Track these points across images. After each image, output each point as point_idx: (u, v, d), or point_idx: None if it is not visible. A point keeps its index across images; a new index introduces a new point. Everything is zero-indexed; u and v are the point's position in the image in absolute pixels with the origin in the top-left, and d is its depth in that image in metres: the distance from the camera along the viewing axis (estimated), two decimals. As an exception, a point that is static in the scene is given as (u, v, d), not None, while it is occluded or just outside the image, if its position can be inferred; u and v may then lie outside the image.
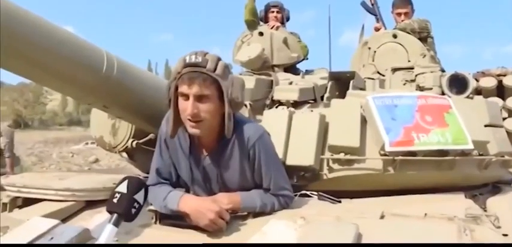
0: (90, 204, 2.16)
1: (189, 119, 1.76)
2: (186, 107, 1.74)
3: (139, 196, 1.66)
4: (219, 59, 1.77)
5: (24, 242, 1.63)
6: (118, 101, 2.16)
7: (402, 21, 4.07)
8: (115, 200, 1.61)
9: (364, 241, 1.55)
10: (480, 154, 2.34)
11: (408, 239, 1.52)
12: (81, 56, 1.86)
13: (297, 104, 2.73)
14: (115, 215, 1.59)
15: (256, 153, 1.87)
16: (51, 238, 1.66)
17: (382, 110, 2.30)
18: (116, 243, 1.67)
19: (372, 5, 4.49)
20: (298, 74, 3.89)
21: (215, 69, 1.73)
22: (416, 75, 3.22)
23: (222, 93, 1.76)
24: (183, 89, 1.73)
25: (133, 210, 1.64)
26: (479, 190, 2.57)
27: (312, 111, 2.54)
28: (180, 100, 1.77)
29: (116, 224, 1.58)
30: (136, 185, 1.67)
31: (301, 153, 2.33)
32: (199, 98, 1.73)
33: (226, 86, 1.75)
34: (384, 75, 3.55)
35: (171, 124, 1.85)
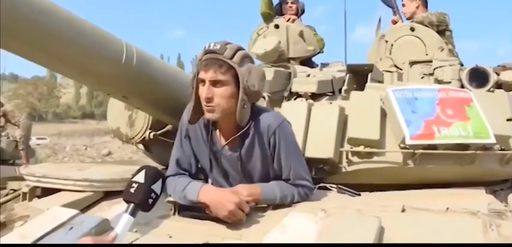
0: (109, 195, 2.16)
1: (205, 105, 1.79)
2: (202, 92, 1.78)
3: (156, 187, 1.65)
4: (239, 49, 1.79)
5: (45, 231, 1.63)
6: (137, 92, 2.15)
7: (403, 11, 4.10)
8: (132, 190, 1.60)
9: (386, 235, 1.52)
10: (502, 149, 2.30)
11: (433, 234, 1.50)
12: (100, 46, 1.85)
13: (315, 96, 2.70)
14: (132, 205, 1.57)
15: (276, 140, 1.86)
16: (71, 227, 1.66)
17: (402, 102, 2.27)
18: (135, 233, 1.67)
19: None
20: (314, 68, 3.86)
21: (233, 57, 1.76)
22: (434, 69, 3.15)
23: (239, 81, 1.77)
24: (201, 74, 1.78)
25: (150, 201, 1.62)
26: (500, 186, 2.52)
27: (331, 103, 2.52)
28: (200, 86, 1.81)
29: (133, 214, 1.57)
30: (154, 175, 1.65)
31: (320, 145, 2.31)
32: (214, 83, 1.77)
33: (242, 73, 1.77)
34: (401, 69, 3.50)
35: (191, 110, 1.87)
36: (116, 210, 1.95)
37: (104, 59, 1.89)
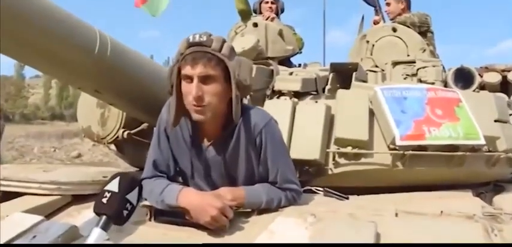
0: (78, 199, 1.99)
1: (193, 104, 1.62)
2: (190, 90, 1.61)
3: (132, 197, 1.49)
4: (224, 40, 1.65)
5: (4, 240, 1.46)
6: (111, 85, 2.00)
7: (386, 11, 4.11)
8: (104, 200, 1.43)
9: (383, 240, 1.43)
10: (489, 150, 2.24)
11: (433, 239, 1.40)
12: (71, 34, 1.69)
13: (298, 95, 2.60)
14: (104, 217, 1.41)
15: (262, 140, 1.73)
16: (34, 236, 1.50)
17: (391, 101, 2.19)
18: (108, 241, 1.51)
19: None
20: (292, 68, 3.78)
21: (221, 49, 1.61)
22: (418, 69, 3.15)
23: (229, 76, 1.63)
24: (187, 70, 1.60)
25: (125, 212, 1.46)
26: (484, 188, 2.48)
27: (316, 102, 2.42)
28: (183, 83, 1.64)
29: (105, 228, 1.40)
30: (129, 184, 1.49)
31: (305, 146, 2.21)
32: (204, 79, 1.60)
33: (233, 67, 1.63)
34: (382, 69, 3.46)
35: (173, 112, 1.70)
36: (86, 216, 1.80)
37: (75, 48, 1.73)
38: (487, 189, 2.49)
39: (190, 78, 1.61)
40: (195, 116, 1.66)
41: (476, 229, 1.48)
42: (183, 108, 1.69)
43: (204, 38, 1.59)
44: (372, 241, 1.34)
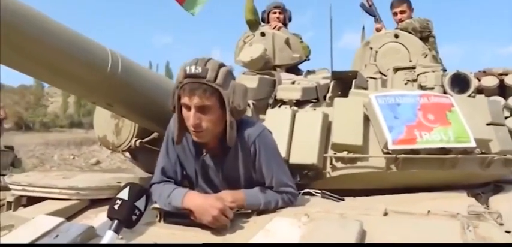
0: (95, 203, 2.17)
1: (193, 130, 1.79)
2: (189, 117, 1.77)
3: (140, 203, 1.65)
4: (220, 66, 1.78)
5: (30, 239, 1.63)
6: (122, 99, 2.16)
7: (399, 19, 4.13)
8: (116, 206, 1.59)
9: (367, 238, 1.55)
10: (482, 153, 2.33)
11: (412, 235, 1.53)
12: (85, 54, 1.86)
13: (299, 103, 2.74)
14: (115, 221, 1.57)
15: (256, 149, 1.89)
16: (57, 235, 1.66)
17: (385, 108, 2.30)
18: (121, 240, 1.67)
19: (369, 6, 4.52)
20: (300, 75, 3.90)
21: (216, 78, 1.74)
22: (418, 75, 3.20)
23: (224, 102, 1.78)
24: (185, 100, 1.77)
25: (134, 217, 1.62)
26: (482, 189, 2.56)
27: (314, 109, 2.55)
28: (183, 109, 1.81)
29: (116, 231, 1.56)
30: (138, 192, 1.65)
31: (304, 151, 2.33)
32: (201, 109, 1.76)
33: (227, 95, 1.77)
34: (385, 75, 3.54)
35: (176, 131, 1.88)
36: (102, 218, 1.95)
37: (89, 67, 1.90)
38: (486, 189, 2.57)
39: (188, 107, 1.77)
40: (195, 139, 1.85)
41: (454, 227, 1.59)
42: (185, 126, 1.86)
43: (200, 70, 1.72)
44: (355, 237, 1.47)
